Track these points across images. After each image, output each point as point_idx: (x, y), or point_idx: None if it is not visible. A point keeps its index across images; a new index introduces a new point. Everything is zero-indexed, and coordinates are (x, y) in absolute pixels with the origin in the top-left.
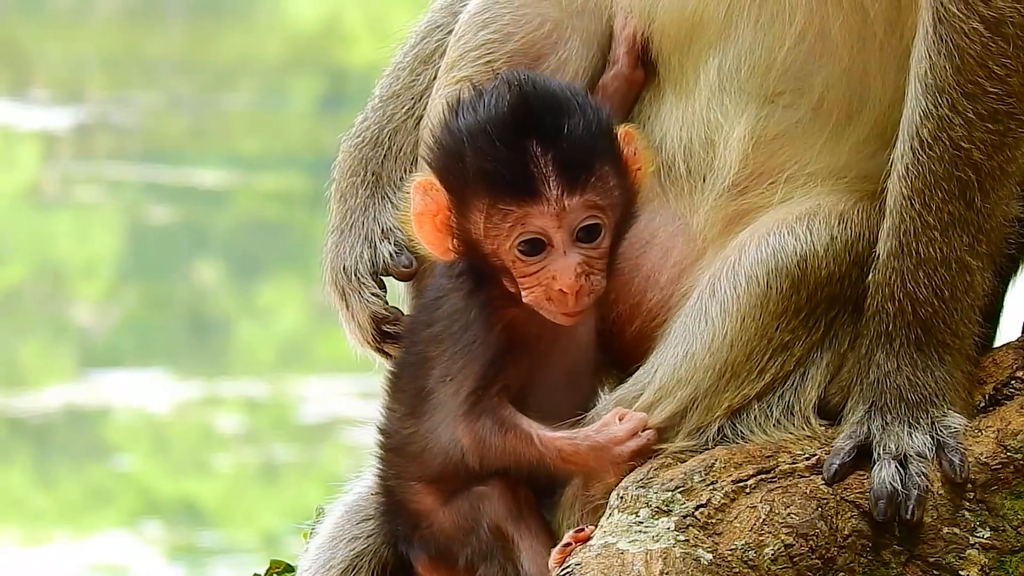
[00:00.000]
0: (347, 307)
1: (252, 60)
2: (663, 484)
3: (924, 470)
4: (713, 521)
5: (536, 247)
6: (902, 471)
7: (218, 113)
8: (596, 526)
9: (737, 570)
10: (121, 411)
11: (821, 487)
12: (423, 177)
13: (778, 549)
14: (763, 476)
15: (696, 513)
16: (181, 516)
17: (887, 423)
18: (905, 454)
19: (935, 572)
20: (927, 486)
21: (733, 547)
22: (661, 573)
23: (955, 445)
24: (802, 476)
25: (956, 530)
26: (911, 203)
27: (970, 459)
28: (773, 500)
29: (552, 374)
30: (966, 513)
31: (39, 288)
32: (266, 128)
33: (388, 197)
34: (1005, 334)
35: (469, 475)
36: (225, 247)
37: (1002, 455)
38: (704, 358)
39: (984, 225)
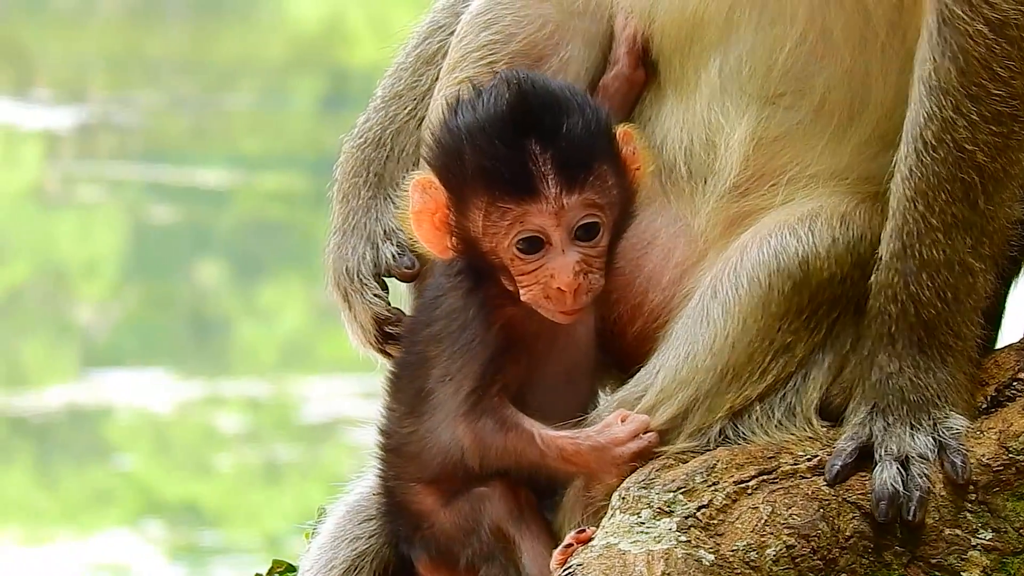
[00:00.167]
0: (350, 308)
1: (254, 60)
2: (665, 485)
3: (926, 471)
4: (715, 522)
5: (534, 245)
6: (904, 472)
7: (220, 113)
8: (598, 527)
9: (739, 571)
10: (123, 411)
11: (823, 488)
12: (422, 175)
13: (780, 550)
14: (765, 477)
15: (698, 514)
16: (183, 516)
17: (889, 424)
18: (907, 455)
19: (936, 573)
20: (929, 487)
21: (735, 548)
22: (663, 574)
23: (957, 446)
24: (804, 477)
25: (958, 531)
26: (915, 205)
27: (972, 460)
28: (775, 501)
29: (551, 373)
30: (968, 515)
31: (41, 287)
32: (268, 128)
33: (391, 198)
34: (1007, 336)
35: (468, 475)
36: (227, 247)
37: (1004, 457)
38: (706, 359)
39: (987, 227)
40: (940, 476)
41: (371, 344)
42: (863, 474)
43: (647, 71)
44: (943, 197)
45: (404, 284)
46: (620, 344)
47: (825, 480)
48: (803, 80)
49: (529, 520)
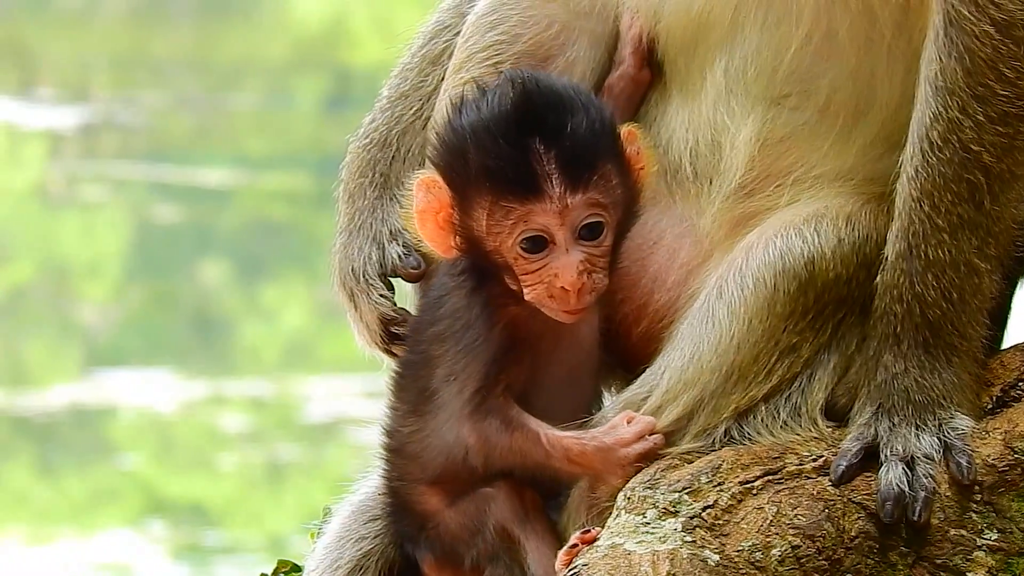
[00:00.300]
0: (355, 308)
1: (258, 60)
2: (670, 485)
3: (931, 472)
4: (720, 522)
5: (538, 244)
6: (909, 473)
7: (224, 113)
8: (602, 527)
9: (744, 571)
10: (126, 410)
11: (828, 488)
12: (426, 174)
13: (785, 550)
14: (770, 477)
15: (703, 514)
16: (186, 515)
17: (894, 425)
18: (912, 456)
19: (942, 574)
20: (934, 488)
21: (740, 548)
22: (668, 574)
23: (962, 447)
24: (809, 477)
25: (963, 532)
26: (920, 205)
27: (977, 461)
28: (780, 501)
29: (554, 373)
30: (973, 515)
31: (44, 287)
32: (272, 128)
33: (396, 198)
34: (1012, 336)
35: (472, 476)
36: (230, 247)
37: (1009, 457)
38: (711, 360)
39: (993, 228)
40: (945, 476)
41: (377, 344)
42: (868, 474)
43: (653, 71)
44: (949, 197)
45: (410, 284)
46: (625, 344)
47: (830, 480)
48: (808, 81)
49: (534, 520)
